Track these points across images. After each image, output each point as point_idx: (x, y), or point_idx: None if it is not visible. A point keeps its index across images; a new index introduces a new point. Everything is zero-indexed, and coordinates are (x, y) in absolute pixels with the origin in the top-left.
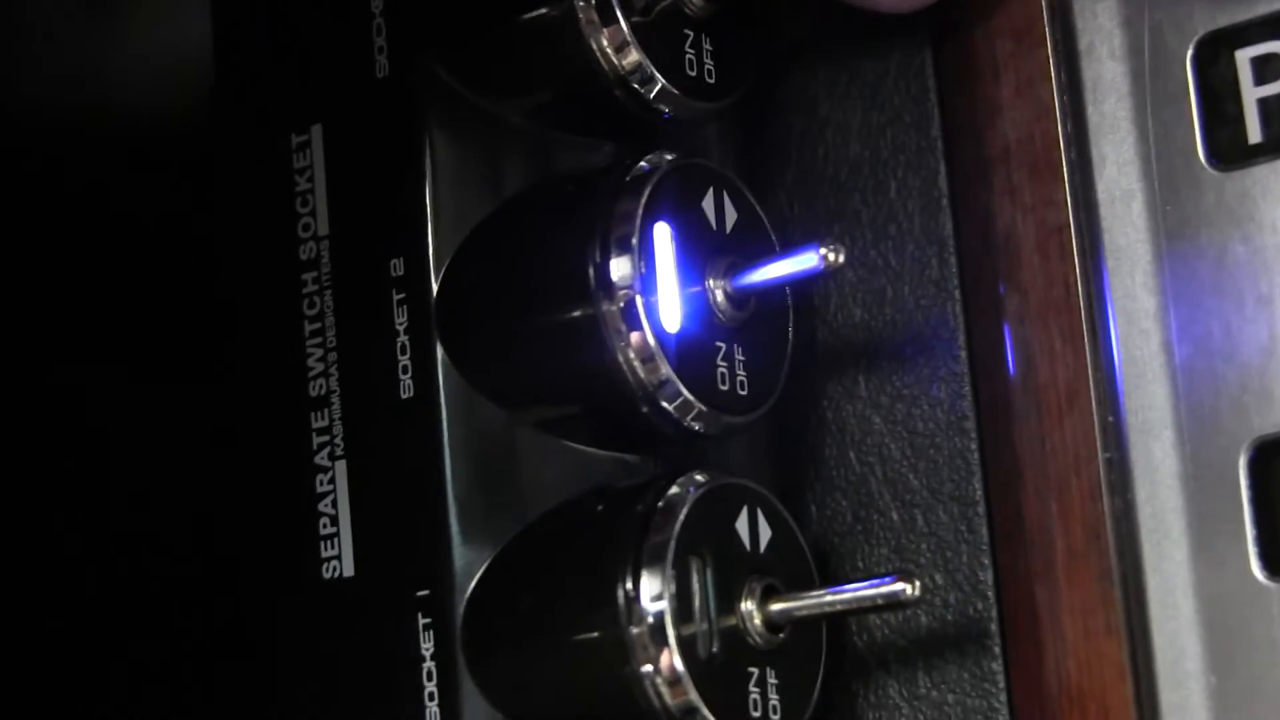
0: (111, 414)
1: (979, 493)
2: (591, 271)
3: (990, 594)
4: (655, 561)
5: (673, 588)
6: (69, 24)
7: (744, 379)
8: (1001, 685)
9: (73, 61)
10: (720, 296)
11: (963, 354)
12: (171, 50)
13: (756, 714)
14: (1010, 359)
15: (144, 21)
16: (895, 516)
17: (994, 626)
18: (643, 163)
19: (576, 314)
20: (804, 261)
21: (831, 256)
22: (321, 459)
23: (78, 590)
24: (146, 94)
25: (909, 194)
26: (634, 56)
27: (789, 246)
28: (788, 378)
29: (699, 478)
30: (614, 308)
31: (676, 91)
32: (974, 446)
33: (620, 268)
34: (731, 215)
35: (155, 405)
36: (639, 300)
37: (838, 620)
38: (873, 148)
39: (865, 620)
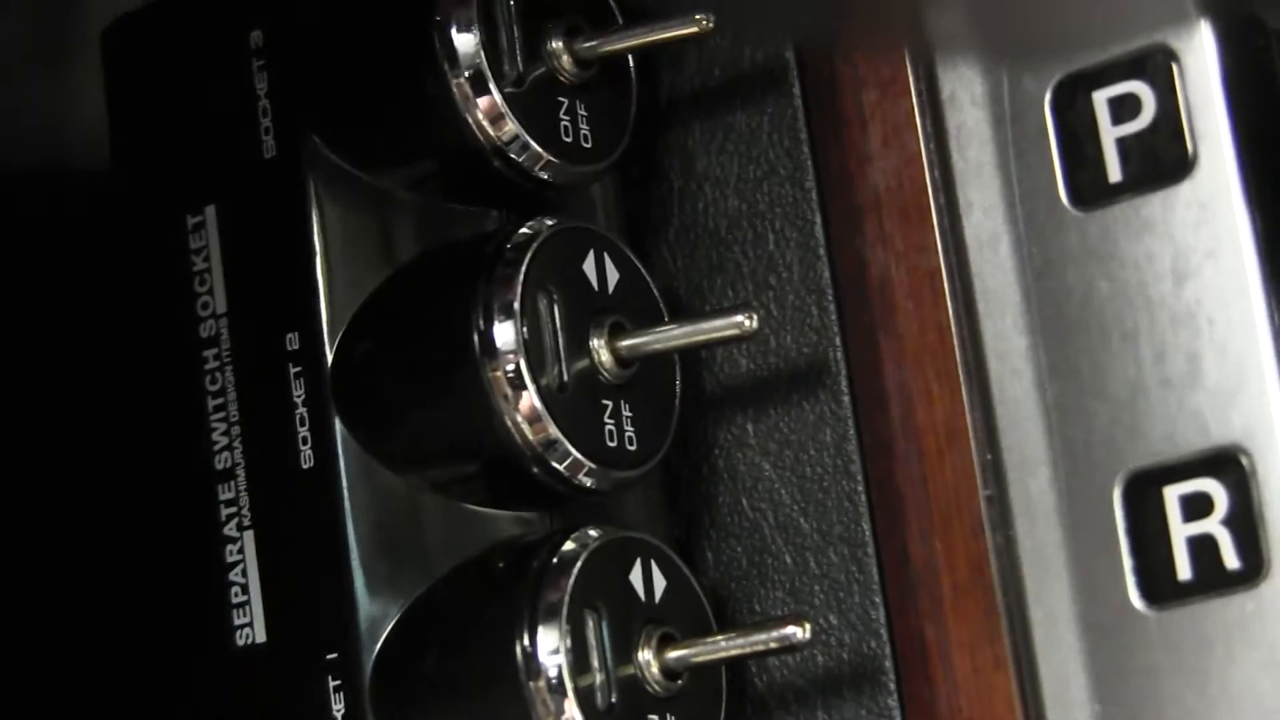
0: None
1: (867, 534)
2: (476, 338)
3: (883, 632)
4: (551, 617)
5: (568, 642)
6: (20, 75)
7: (632, 434)
8: None
9: (25, 111)
10: (605, 355)
11: (846, 399)
12: None
13: None
14: (890, 402)
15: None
16: (789, 560)
17: (888, 664)
18: (523, 228)
19: (464, 380)
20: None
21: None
22: (230, 530)
23: None
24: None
25: (787, 245)
26: (510, 127)
27: (671, 301)
28: (676, 430)
29: (592, 533)
30: (499, 372)
31: (554, 159)
32: (860, 489)
33: (504, 333)
34: (614, 275)
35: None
36: (523, 364)
37: (737, 663)
38: (750, 201)
39: (764, 662)
